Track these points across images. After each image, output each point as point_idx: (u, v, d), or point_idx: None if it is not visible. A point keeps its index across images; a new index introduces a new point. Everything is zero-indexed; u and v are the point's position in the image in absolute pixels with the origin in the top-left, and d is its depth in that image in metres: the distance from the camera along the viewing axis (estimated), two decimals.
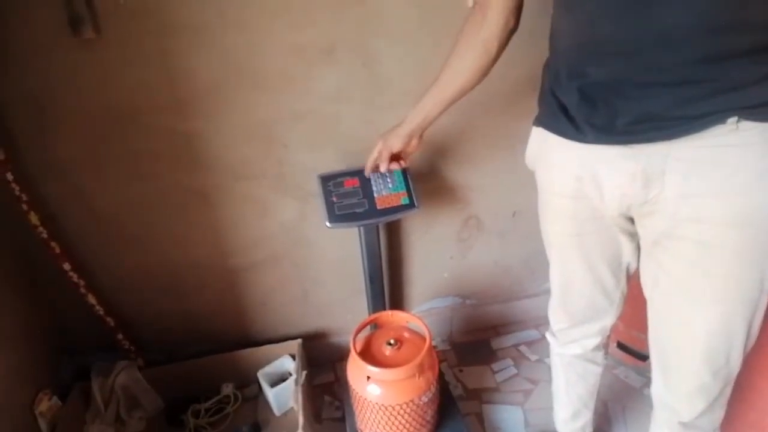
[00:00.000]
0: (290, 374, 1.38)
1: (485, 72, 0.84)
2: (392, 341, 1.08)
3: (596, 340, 0.96)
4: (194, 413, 1.33)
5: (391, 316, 1.17)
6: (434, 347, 1.55)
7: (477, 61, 0.82)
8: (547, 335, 1.05)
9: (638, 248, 0.81)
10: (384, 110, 1.18)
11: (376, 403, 1.03)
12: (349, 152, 1.21)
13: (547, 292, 1.61)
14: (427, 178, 1.29)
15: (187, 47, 1.01)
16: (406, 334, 1.13)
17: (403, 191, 1.15)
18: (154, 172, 1.13)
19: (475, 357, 1.53)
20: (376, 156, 1.05)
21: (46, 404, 1.12)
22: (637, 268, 0.83)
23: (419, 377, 1.03)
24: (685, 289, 0.72)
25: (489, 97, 1.20)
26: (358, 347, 1.08)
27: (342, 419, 1.32)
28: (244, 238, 1.27)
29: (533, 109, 0.85)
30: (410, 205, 1.14)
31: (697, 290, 0.70)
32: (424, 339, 1.09)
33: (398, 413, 1.03)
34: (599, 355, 1.01)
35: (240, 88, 1.08)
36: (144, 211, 1.17)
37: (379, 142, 1.03)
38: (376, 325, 1.20)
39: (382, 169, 1.06)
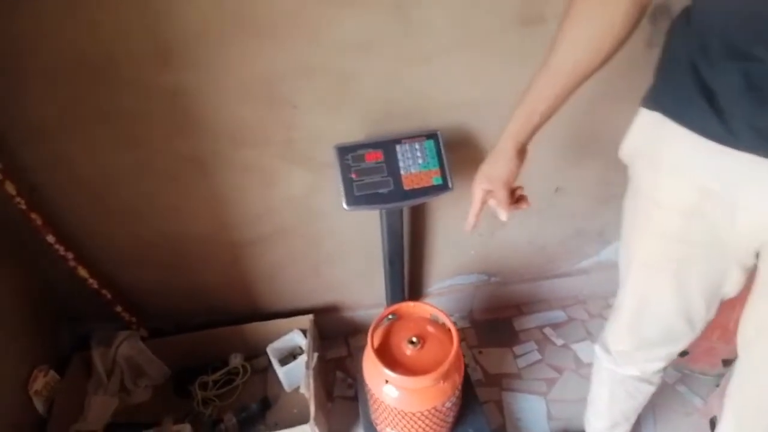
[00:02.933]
0: (301, 349, 1.31)
1: (627, 38, 0.58)
2: (414, 339, 0.96)
3: (660, 364, 0.83)
4: (202, 385, 1.28)
5: (412, 307, 1.05)
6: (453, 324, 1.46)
7: (623, 27, 0.57)
8: (597, 349, 0.90)
9: (746, 279, 0.65)
10: (419, 65, 0.95)
11: (395, 408, 0.94)
12: (372, 117, 1.00)
13: (581, 272, 1.50)
14: (457, 146, 1.08)
15: None
16: (430, 328, 1.01)
17: (436, 168, 0.97)
18: (141, 135, 0.95)
19: (496, 337, 1.44)
20: (479, 205, 0.73)
21: (41, 381, 1.06)
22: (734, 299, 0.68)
23: (444, 383, 0.93)
24: None
25: None
26: (376, 341, 0.97)
27: (354, 398, 1.26)
28: (247, 211, 1.11)
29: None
30: (443, 186, 0.97)
31: None
32: (449, 332, 0.97)
33: (418, 419, 0.94)
34: (658, 376, 0.89)
35: (236, 34, 0.86)
36: (135, 180, 1.02)
37: (479, 182, 0.72)
38: (395, 314, 1.09)
39: (504, 218, 0.73)
